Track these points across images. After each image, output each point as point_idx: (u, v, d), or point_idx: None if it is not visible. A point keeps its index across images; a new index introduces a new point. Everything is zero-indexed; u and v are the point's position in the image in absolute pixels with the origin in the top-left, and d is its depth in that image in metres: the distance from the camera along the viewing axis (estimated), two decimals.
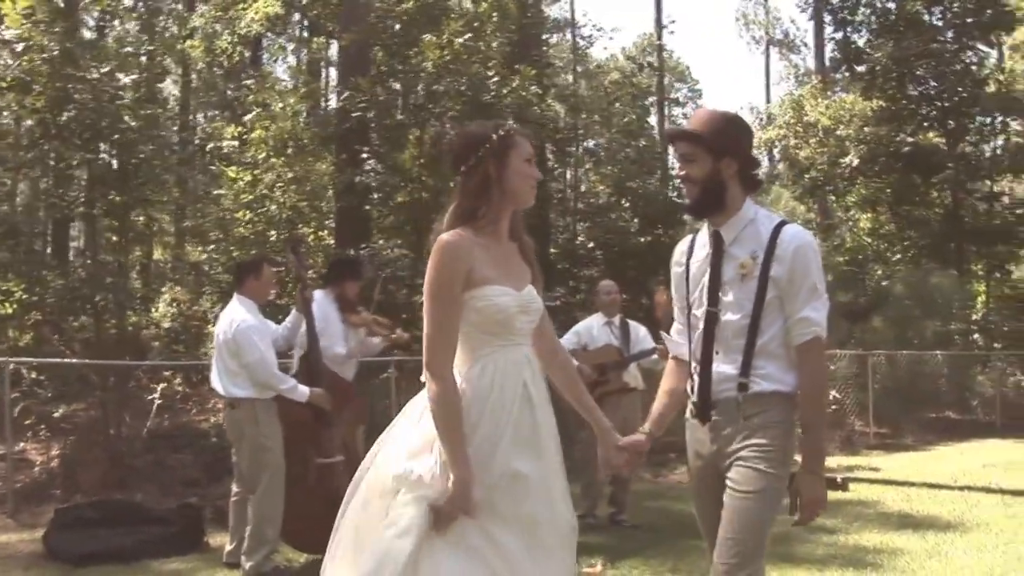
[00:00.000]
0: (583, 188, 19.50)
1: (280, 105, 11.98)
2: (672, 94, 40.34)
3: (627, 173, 17.53)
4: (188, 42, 19.89)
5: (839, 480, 8.98)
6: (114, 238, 11.09)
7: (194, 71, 23.52)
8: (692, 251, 3.16)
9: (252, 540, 5.69)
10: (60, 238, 17.77)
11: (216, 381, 5.88)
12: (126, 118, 9.11)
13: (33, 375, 10.27)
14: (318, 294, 6.36)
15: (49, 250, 16.50)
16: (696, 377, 3.06)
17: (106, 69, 8.36)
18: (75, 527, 6.35)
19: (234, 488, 6.04)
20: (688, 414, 3.14)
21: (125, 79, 8.92)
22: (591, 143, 20.09)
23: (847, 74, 22.17)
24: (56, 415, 9.88)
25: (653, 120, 25.68)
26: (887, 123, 19.54)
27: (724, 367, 2.98)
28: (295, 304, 6.29)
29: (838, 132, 19.66)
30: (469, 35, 12.03)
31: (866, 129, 19.41)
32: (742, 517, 2.90)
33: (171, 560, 6.16)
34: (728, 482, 2.95)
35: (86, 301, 9.24)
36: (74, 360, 10.03)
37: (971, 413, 15.33)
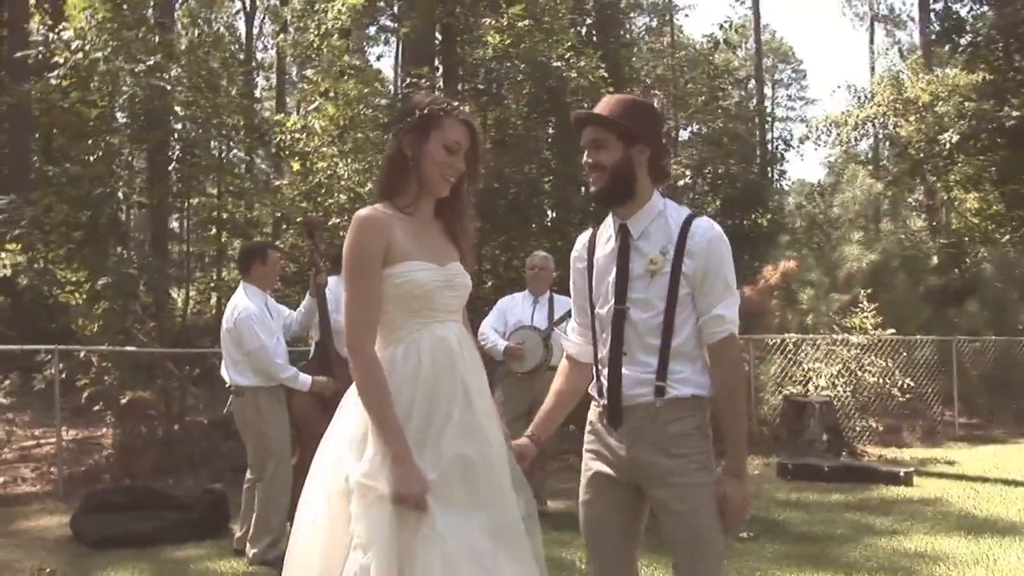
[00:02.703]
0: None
1: (332, 93, 11.96)
2: (776, 75, 39.33)
3: (710, 154, 17.09)
4: (280, 36, 20.32)
5: (901, 474, 8.43)
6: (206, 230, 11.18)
7: (289, 65, 24.03)
8: (594, 246, 2.96)
9: (257, 528, 5.72)
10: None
11: (223, 369, 5.89)
12: (177, 109, 9.24)
13: (105, 364, 10.50)
14: (335, 279, 6.28)
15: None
16: (604, 380, 2.86)
17: (151, 62, 8.48)
18: (100, 511, 6.47)
19: (247, 475, 6.05)
20: (594, 419, 2.93)
21: (176, 71, 9.05)
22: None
23: (949, 47, 21.09)
24: (123, 401, 10.10)
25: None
26: (991, 97, 18.45)
27: (636, 369, 2.78)
28: (309, 290, 6.26)
29: (937, 108, 18.65)
30: (529, 20, 11.78)
31: (967, 104, 18.36)
32: (694, 536, 2.74)
33: (186, 546, 6.19)
34: (662, 502, 2.76)
35: (135, 290, 9.36)
36: (132, 348, 10.15)
37: None
